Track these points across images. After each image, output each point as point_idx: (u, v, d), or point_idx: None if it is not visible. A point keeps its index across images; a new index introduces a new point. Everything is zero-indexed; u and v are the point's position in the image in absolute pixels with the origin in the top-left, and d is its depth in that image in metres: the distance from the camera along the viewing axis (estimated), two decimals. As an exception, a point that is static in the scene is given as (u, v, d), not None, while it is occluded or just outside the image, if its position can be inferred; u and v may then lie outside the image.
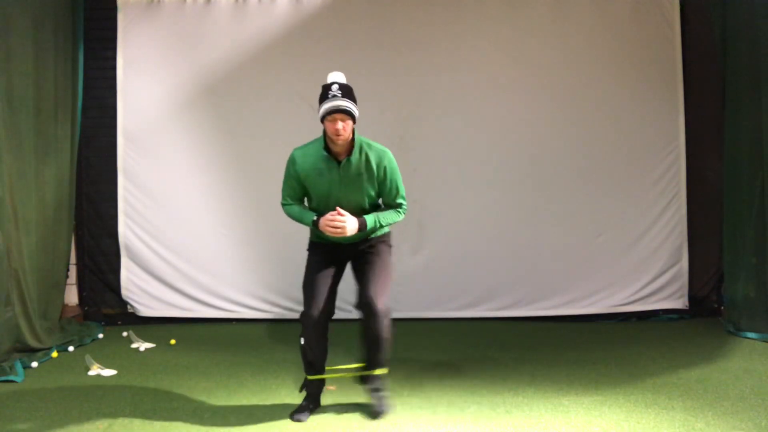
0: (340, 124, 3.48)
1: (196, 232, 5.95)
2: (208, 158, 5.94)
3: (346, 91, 3.52)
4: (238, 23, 5.92)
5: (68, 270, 5.78)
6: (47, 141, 5.28)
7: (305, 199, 3.79)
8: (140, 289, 5.96)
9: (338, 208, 3.57)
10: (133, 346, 5.21)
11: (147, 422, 3.58)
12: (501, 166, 5.92)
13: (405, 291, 5.85)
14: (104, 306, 6.02)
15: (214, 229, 5.96)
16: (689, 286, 5.94)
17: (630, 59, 5.89)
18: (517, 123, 5.92)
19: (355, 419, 3.62)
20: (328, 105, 3.48)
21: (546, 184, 5.90)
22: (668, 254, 5.92)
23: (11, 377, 4.32)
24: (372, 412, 3.67)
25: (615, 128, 5.92)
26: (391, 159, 3.65)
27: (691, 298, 5.94)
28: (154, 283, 5.96)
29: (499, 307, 5.94)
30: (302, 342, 3.63)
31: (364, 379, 3.82)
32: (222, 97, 5.93)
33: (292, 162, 3.68)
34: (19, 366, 4.48)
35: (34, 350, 4.83)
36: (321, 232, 3.62)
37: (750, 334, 5.12)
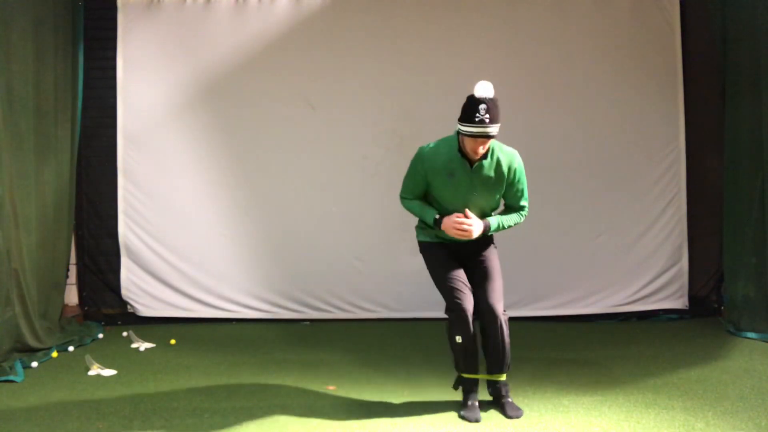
0: (481, 147, 3.47)
1: (196, 232, 5.94)
2: (208, 158, 5.94)
3: (494, 114, 3.39)
4: (238, 23, 5.92)
5: (68, 270, 5.78)
6: (47, 141, 5.28)
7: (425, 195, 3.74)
8: (140, 289, 5.96)
9: (466, 211, 3.56)
10: (133, 346, 5.21)
11: (147, 422, 3.58)
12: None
13: (405, 291, 5.85)
14: (104, 306, 6.02)
15: (214, 229, 5.96)
16: (689, 286, 5.93)
17: (630, 59, 5.89)
18: (516, 123, 5.88)
19: (355, 418, 3.62)
20: (474, 129, 3.39)
21: (546, 184, 5.88)
22: (668, 254, 5.92)
23: (11, 377, 4.31)
24: (506, 415, 3.62)
25: (615, 128, 5.92)
26: (520, 162, 3.64)
27: (691, 298, 5.94)
28: (154, 283, 5.96)
29: (498, 307, 5.93)
30: (458, 340, 3.60)
31: (488, 385, 3.77)
32: (222, 97, 5.92)
33: (420, 159, 3.64)
34: (19, 366, 4.48)
35: (34, 350, 4.83)
36: (440, 231, 3.61)
37: (750, 334, 5.12)
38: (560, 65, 5.90)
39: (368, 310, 5.94)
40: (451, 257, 3.72)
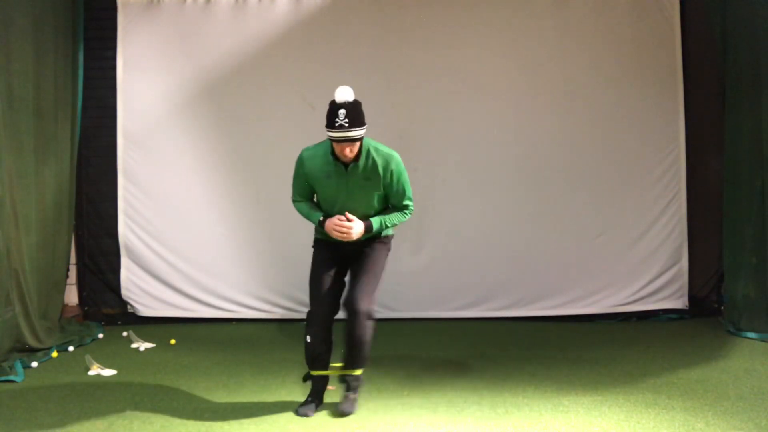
0: (347, 150, 3.52)
1: (196, 232, 5.95)
2: (208, 158, 5.94)
3: (353, 117, 3.46)
4: (238, 23, 5.92)
5: (68, 270, 5.78)
6: (47, 141, 5.28)
7: (314, 196, 3.81)
8: (140, 289, 5.96)
9: (347, 213, 3.61)
10: (133, 346, 5.21)
11: (147, 422, 3.58)
12: (501, 166, 5.92)
13: (405, 291, 5.85)
14: (104, 306, 6.02)
15: (214, 229, 5.96)
16: (689, 286, 5.94)
17: (630, 59, 5.89)
18: (516, 123, 5.91)
19: (355, 418, 3.62)
20: (334, 134, 3.48)
21: (546, 184, 5.90)
22: (668, 254, 5.92)
23: (11, 377, 4.31)
24: (337, 410, 3.68)
25: (615, 128, 5.92)
26: (398, 162, 3.67)
27: (691, 298, 5.94)
28: (154, 283, 5.96)
29: (499, 307, 5.94)
30: (308, 339, 3.66)
31: (340, 378, 3.83)
32: (222, 97, 5.93)
33: (300, 162, 3.72)
34: (19, 366, 4.48)
35: (34, 350, 4.83)
36: (326, 232, 3.65)
37: (750, 334, 5.12)
38: (560, 65, 5.90)
39: (368, 310, 5.94)
40: (335, 257, 3.76)
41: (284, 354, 4.88)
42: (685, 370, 4.32)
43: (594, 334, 5.41)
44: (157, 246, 5.94)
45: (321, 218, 3.69)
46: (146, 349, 5.14)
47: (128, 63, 5.93)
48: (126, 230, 5.95)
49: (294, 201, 3.85)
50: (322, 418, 3.64)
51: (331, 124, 3.48)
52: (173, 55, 5.91)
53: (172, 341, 5.28)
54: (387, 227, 3.74)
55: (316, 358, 3.71)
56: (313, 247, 3.87)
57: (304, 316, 5.80)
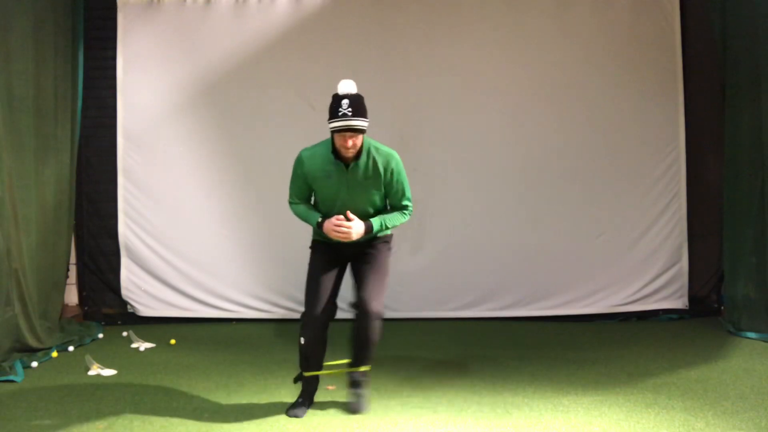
0: (350, 142, 3.51)
1: (196, 232, 5.95)
2: (208, 158, 5.94)
3: (357, 107, 3.48)
4: (238, 23, 5.92)
5: (68, 270, 5.78)
6: (47, 141, 5.28)
7: (312, 197, 3.80)
8: (140, 289, 5.96)
9: (348, 212, 3.60)
10: (133, 346, 5.21)
11: (147, 422, 3.58)
12: (501, 166, 5.92)
13: (405, 291, 5.85)
14: (104, 306, 6.03)
15: (214, 229, 5.96)
16: (689, 286, 5.94)
17: (630, 59, 5.89)
18: (516, 123, 5.92)
19: (355, 418, 3.62)
20: (338, 123, 3.48)
21: (546, 184, 5.90)
22: (668, 254, 5.92)
23: (11, 377, 4.31)
24: (349, 407, 3.71)
25: (615, 128, 5.92)
26: (398, 162, 3.67)
27: (691, 298, 5.94)
28: (154, 283, 5.96)
29: (499, 307, 5.94)
30: (302, 341, 3.66)
31: (348, 375, 3.85)
32: (222, 97, 5.93)
33: (299, 163, 3.70)
34: (19, 366, 4.48)
35: (34, 350, 4.83)
36: (325, 233, 3.64)
37: (750, 334, 5.12)
38: (560, 65, 5.90)
39: (368, 310, 5.94)
40: (333, 258, 3.76)
41: (284, 354, 4.88)
42: (685, 370, 4.32)
43: (594, 334, 5.41)
44: (157, 246, 5.94)
45: (319, 219, 3.68)
46: (146, 349, 5.14)
47: (128, 63, 5.93)
48: (126, 230, 5.95)
49: (291, 203, 3.82)
50: (321, 418, 3.64)
51: (334, 114, 3.48)
52: (173, 55, 5.91)
53: (172, 341, 5.28)
54: (387, 228, 3.73)
55: (310, 359, 3.72)
56: (311, 248, 3.86)
57: (304, 316, 5.92)
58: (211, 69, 5.92)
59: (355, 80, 3.63)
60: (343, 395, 3.95)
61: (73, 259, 5.93)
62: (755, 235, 5.27)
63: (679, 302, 5.93)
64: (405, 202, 3.76)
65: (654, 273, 5.92)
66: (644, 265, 5.92)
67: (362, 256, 3.76)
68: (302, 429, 3.49)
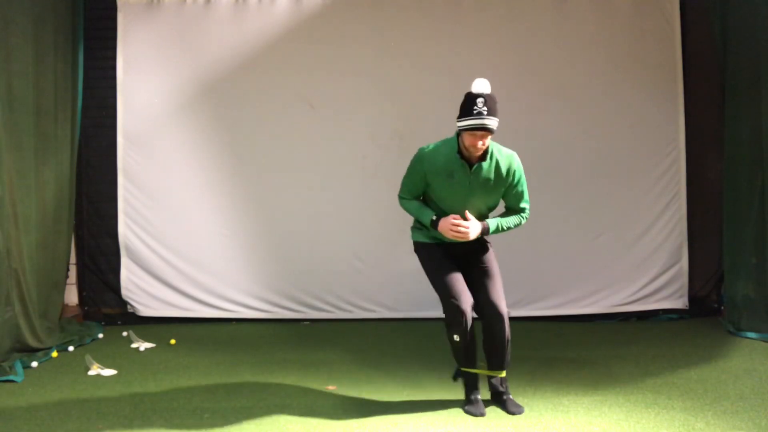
0: (480, 142, 3.46)
1: (196, 232, 5.95)
2: (208, 158, 5.94)
3: (491, 107, 3.43)
4: (238, 23, 5.92)
5: (68, 270, 5.78)
6: (47, 141, 5.28)
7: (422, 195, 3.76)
8: (140, 289, 5.96)
9: (467, 212, 3.58)
10: (133, 346, 5.21)
11: (147, 422, 3.58)
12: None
13: (405, 291, 5.85)
14: (104, 306, 6.03)
15: (214, 229, 5.96)
16: (689, 286, 5.94)
17: (630, 59, 5.89)
18: (516, 123, 5.89)
19: (355, 418, 3.62)
20: (473, 122, 3.42)
21: (546, 184, 5.88)
22: (668, 254, 5.92)
23: (11, 377, 4.31)
24: (508, 412, 3.65)
25: (615, 128, 5.92)
26: (519, 164, 3.65)
27: (691, 298, 5.94)
28: (154, 283, 5.96)
29: (499, 307, 5.93)
30: (456, 339, 3.62)
31: (489, 380, 3.80)
32: (222, 97, 5.93)
33: (419, 160, 3.65)
34: (19, 366, 4.48)
35: (34, 350, 4.83)
36: (437, 232, 3.62)
37: (750, 334, 5.12)
38: (560, 65, 5.90)
39: (368, 310, 5.94)
40: (446, 257, 3.72)
41: (284, 354, 4.88)
42: (685, 370, 4.32)
43: (594, 334, 5.41)
44: (157, 246, 5.94)
45: (434, 217, 3.64)
46: (146, 349, 5.14)
47: (128, 63, 5.93)
48: (126, 230, 5.95)
49: (401, 198, 3.77)
50: (321, 418, 3.63)
51: (469, 111, 3.42)
52: (173, 55, 5.91)
53: (172, 341, 5.28)
54: (503, 230, 3.71)
55: (469, 354, 3.69)
56: (419, 251, 3.80)
57: (304, 316, 5.93)
58: (211, 69, 5.92)
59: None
60: (343, 395, 3.95)
61: (73, 259, 5.93)
62: (755, 235, 5.27)
63: (679, 302, 5.93)
64: (523, 205, 3.73)
65: (654, 273, 5.92)
66: (644, 265, 5.92)
67: (472, 258, 3.73)
68: (302, 429, 3.49)
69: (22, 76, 4.92)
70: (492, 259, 3.76)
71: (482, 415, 3.59)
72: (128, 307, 5.97)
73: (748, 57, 5.29)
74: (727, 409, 3.63)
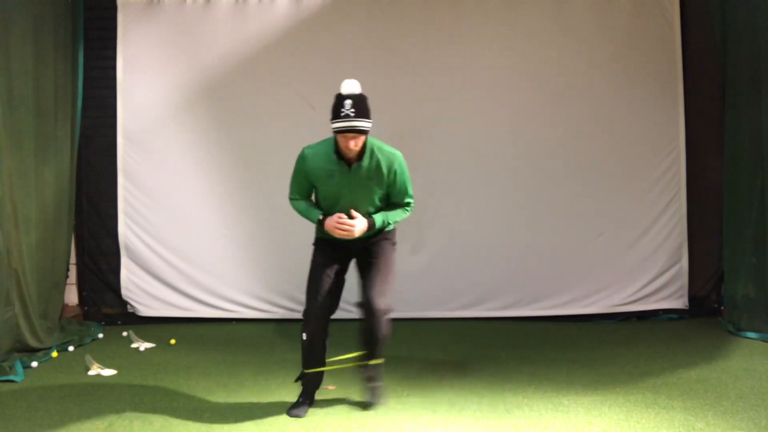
0: (352, 143, 3.50)
1: (196, 232, 5.95)
2: (208, 158, 5.94)
3: (360, 108, 3.48)
4: (238, 23, 5.92)
5: (68, 270, 5.78)
6: (47, 141, 5.28)
7: (312, 194, 3.81)
8: (140, 289, 5.96)
9: (352, 210, 3.60)
10: (133, 346, 5.21)
11: (147, 422, 3.58)
12: (501, 166, 5.92)
13: (405, 291, 5.83)
14: (104, 306, 6.03)
15: (214, 229, 5.96)
16: (689, 286, 5.93)
17: (630, 59, 5.89)
18: (517, 123, 5.91)
19: (355, 418, 3.62)
20: (340, 124, 3.47)
21: (546, 184, 5.90)
22: (668, 254, 5.92)
23: (11, 377, 4.31)
24: (365, 402, 3.74)
25: (615, 128, 5.92)
26: (401, 162, 3.67)
27: (691, 298, 5.94)
28: (154, 283, 5.96)
29: (499, 307, 5.93)
30: (304, 337, 3.67)
31: (361, 370, 3.88)
32: (222, 97, 5.93)
33: (302, 160, 3.70)
34: (19, 366, 4.48)
35: (34, 350, 4.83)
36: (327, 230, 3.64)
37: (750, 334, 5.12)
38: (560, 65, 5.90)
39: (368, 310, 5.94)
40: (335, 256, 3.76)
41: (284, 354, 4.88)
42: (685, 370, 4.32)
43: (594, 334, 5.41)
44: (157, 246, 5.95)
45: (320, 216, 3.69)
46: (146, 349, 5.14)
47: (128, 63, 5.93)
48: (126, 230, 5.95)
49: (291, 199, 3.82)
50: (321, 418, 3.64)
51: (336, 114, 3.48)
52: (173, 55, 5.91)
53: (172, 341, 5.28)
54: (389, 224, 3.75)
55: (312, 355, 3.73)
56: (314, 245, 3.86)
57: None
58: (211, 69, 5.92)
59: (354, 80, 3.62)
60: (342, 395, 3.96)
61: (73, 259, 5.93)
62: (755, 235, 5.27)
63: (679, 302, 5.93)
64: (407, 200, 3.78)
65: (654, 273, 5.91)
66: (644, 264, 5.92)
67: (366, 255, 3.77)
68: (302, 429, 3.49)
69: (22, 76, 4.92)
70: (386, 255, 3.77)
71: (299, 417, 3.62)
72: (128, 307, 5.97)
73: (748, 57, 5.29)
74: (727, 409, 3.63)
